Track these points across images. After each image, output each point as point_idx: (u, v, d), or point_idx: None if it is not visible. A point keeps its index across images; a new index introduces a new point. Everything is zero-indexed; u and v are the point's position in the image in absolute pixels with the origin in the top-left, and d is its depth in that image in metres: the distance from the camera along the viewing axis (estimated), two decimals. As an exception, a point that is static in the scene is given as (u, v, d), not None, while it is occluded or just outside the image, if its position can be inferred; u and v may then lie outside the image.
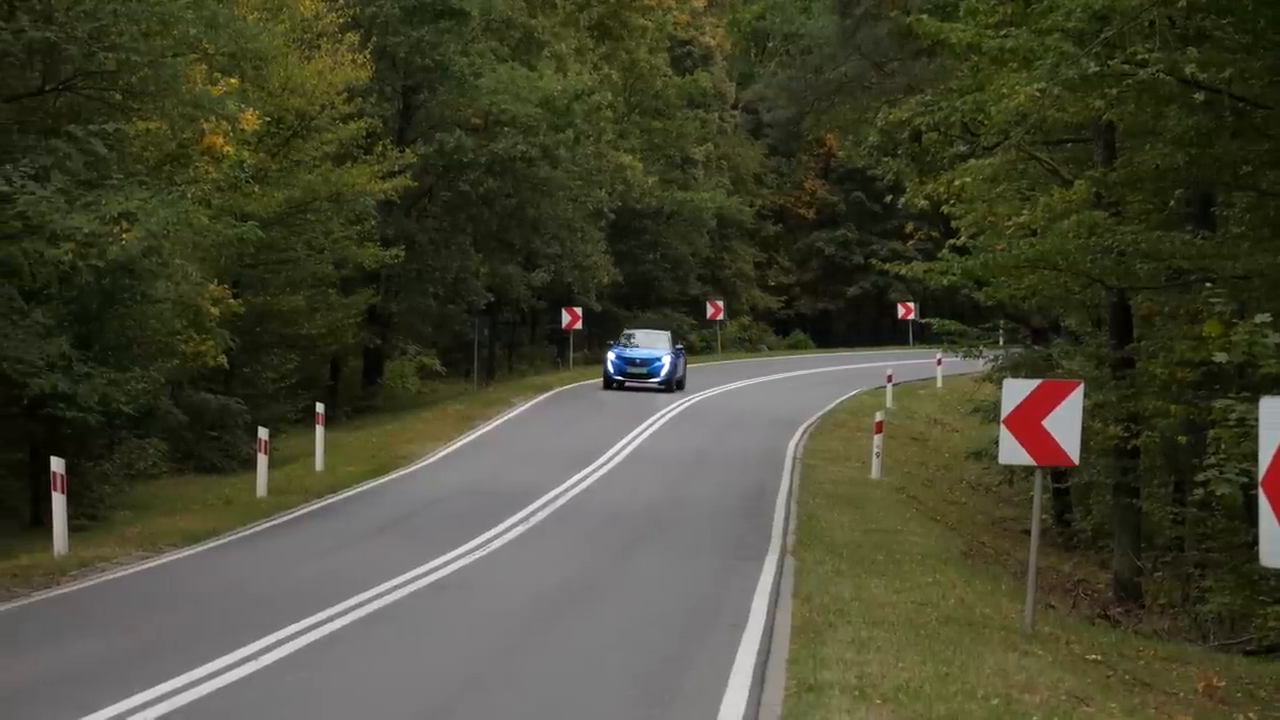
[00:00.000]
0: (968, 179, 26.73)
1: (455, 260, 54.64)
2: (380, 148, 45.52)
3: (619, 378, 54.05)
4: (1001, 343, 39.04)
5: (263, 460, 29.85)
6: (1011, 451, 18.08)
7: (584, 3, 67.15)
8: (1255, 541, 13.70)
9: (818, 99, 60.89)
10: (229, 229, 30.88)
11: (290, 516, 27.37)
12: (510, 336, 70.28)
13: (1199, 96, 19.50)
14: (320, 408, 35.38)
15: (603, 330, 70.45)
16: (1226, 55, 19.21)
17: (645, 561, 22.64)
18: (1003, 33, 21.25)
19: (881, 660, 14.77)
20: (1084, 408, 18.26)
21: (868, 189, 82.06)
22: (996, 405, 23.62)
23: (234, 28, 26.91)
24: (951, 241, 30.28)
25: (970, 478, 39.31)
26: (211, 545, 24.05)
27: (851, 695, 13.22)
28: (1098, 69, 18.86)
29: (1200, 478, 19.50)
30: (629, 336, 57.43)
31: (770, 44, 61.58)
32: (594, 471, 33.36)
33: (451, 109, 54.29)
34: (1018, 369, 32.08)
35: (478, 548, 23.13)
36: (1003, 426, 18.14)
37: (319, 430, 34.48)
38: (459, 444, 39.03)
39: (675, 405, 48.76)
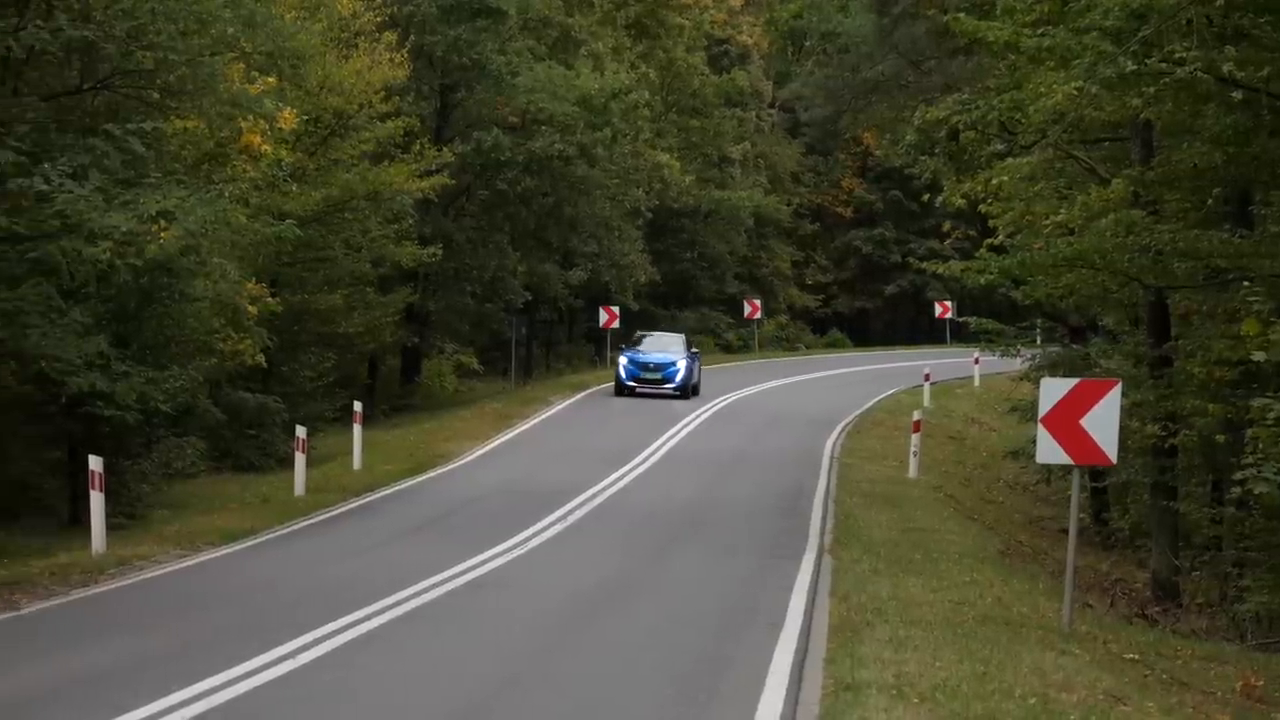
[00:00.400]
0: (1005, 178, 26.70)
1: (493, 259, 54.65)
2: (418, 146, 45.56)
3: (631, 383, 51.15)
4: (1039, 341, 38.88)
5: (300, 459, 29.92)
6: (1049, 450, 18.05)
7: (621, 1, 67.12)
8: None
9: (855, 98, 60.77)
10: (267, 227, 30.89)
11: (328, 515, 27.43)
12: (548, 335, 70.36)
13: (1237, 95, 19.43)
14: (358, 406, 35.37)
15: (642, 329, 70.30)
16: (1265, 54, 19.15)
17: (682, 561, 22.65)
18: (1040, 31, 21.24)
19: (919, 659, 14.77)
20: (1122, 407, 18.21)
21: (905, 188, 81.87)
22: (1034, 404, 23.60)
23: (271, 26, 26.91)
24: (989, 240, 30.20)
25: (1008, 477, 39.23)
26: (249, 544, 24.13)
27: (889, 694, 13.22)
28: (1135, 68, 18.84)
29: (1238, 477, 19.49)
30: (640, 339, 54.67)
31: (807, 43, 61.29)
32: (631, 470, 33.38)
33: (489, 107, 54.19)
34: (1055, 368, 32.05)
35: (515, 546, 23.17)
36: (1040, 425, 18.12)
37: (357, 429, 34.50)
38: (496, 442, 39.07)
39: (712, 404, 48.79)
